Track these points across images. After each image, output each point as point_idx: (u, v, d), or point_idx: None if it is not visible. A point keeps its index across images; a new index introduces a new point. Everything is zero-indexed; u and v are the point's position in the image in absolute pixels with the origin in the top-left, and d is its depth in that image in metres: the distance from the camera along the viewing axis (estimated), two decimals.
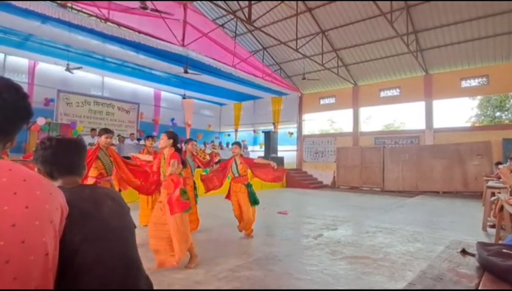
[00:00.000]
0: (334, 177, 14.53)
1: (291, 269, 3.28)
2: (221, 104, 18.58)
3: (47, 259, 0.77)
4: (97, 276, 1.00)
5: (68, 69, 10.24)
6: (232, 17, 11.62)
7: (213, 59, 11.34)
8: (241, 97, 16.32)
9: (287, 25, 13.02)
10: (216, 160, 5.98)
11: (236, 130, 17.98)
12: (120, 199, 1.29)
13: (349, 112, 15.01)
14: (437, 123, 12.83)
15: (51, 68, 11.48)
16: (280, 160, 14.56)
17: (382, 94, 14.13)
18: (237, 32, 13.15)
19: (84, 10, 8.96)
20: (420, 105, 13.15)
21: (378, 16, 11.02)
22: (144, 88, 14.82)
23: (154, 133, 14.25)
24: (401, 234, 4.99)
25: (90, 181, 3.91)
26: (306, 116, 16.43)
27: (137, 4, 8.83)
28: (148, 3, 8.77)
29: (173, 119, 15.89)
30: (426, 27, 11.34)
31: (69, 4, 8.49)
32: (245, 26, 13.38)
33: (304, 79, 13.47)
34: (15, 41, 9.63)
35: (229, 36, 13.25)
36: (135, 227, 1.29)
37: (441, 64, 12.53)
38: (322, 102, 15.93)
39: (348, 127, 15.19)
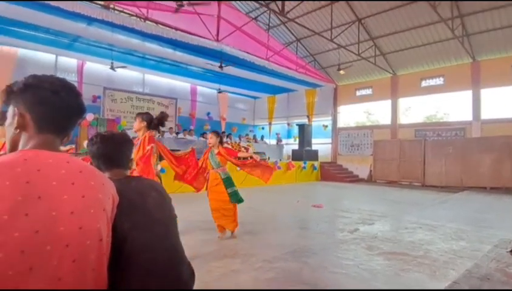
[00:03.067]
0: (371, 170, 14.10)
1: (326, 262, 3.30)
2: (254, 97, 18.68)
3: (101, 244, 0.85)
4: (144, 262, 1.08)
5: (112, 67, 10.89)
6: (265, 9, 11.60)
7: (247, 52, 11.43)
8: (275, 90, 16.30)
9: (322, 15, 12.69)
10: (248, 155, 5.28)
11: (270, 123, 18.02)
12: (163, 191, 1.38)
13: (387, 103, 14.40)
14: (485, 114, 11.90)
15: (97, 67, 12.28)
16: (314, 154, 14.43)
17: (424, 83, 13.37)
18: (270, 24, 13.09)
19: (124, 10, 9.45)
20: (467, 95, 12.26)
21: (419, 0, 10.38)
22: (181, 84, 15.32)
23: (192, 127, 14.75)
24: (444, 232, 4.77)
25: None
26: (341, 108, 16.02)
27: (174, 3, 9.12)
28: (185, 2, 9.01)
29: (208, 113, 16.30)
30: (474, 10, 10.48)
31: (111, 5, 8.98)
32: (278, 18, 13.27)
33: (339, 70, 13.12)
34: (64, 43, 10.39)
35: (262, 28, 13.24)
36: (176, 216, 1.40)
37: (490, 50, 11.54)
38: (358, 93, 15.42)
39: (386, 119, 14.59)
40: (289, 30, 14.22)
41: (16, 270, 0.68)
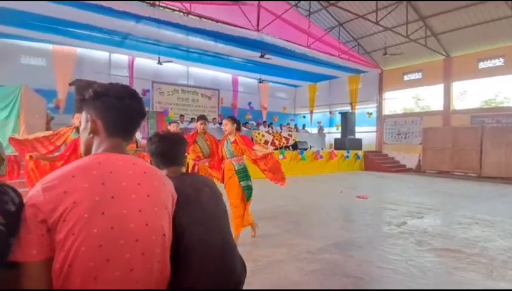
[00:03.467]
0: (419, 160, 13.34)
1: (372, 257, 3.28)
2: (295, 86, 18.46)
3: (164, 239, 0.96)
4: (201, 255, 1.19)
5: (159, 62, 11.45)
6: None
7: (287, 40, 11.29)
8: (316, 78, 15.95)
9: None
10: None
11: (311, 112, 17.76)
12: (214, 186, 1.49)
13: (439, 88, 13.40)
14: None
15: (146, 62, 12.99)
16: (358, 142, 14.01)
17: (481, 65, 12.19)
18: (311, 10, 12.72)
19: (169, 6, 9.82)
20: None
21: None
22: (223, 75, 15.63)
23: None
24: (503, 228, 4.45)
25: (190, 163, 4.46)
26: (387, 95, 15.23)
27: None
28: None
29: (250, 103, 16.49)
30: None
31: (157, 2, 9.37)
32: (319, 3, 12.84)
33: (385, 54, 12.41)
34: (116, 40, 11.10)
35: (302, 15, 12.93)
36: (225, 207, 1.49)
37: None
38: (406, 78, 14.52)
39: (437, 105, 13.61)
40: (331, 15, 13.72)
41: (96, 262, 0.81)
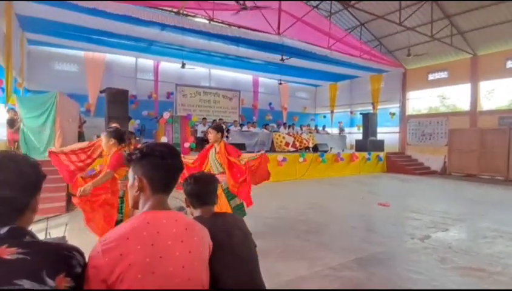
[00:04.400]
0: (445, 162, 13.03)
1: (395, 275, 3.36)
2: (316, 86, 18.40)
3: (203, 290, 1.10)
4: None
5: (183, 66, 11.79)
6: None
7: (308, 43, 11.31)
8: (337, 77, 15.84)
9: None
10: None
11: (332, 111, 17.65)
12: (244, 227, 1.63)
13: (466, 87, 12.98)
14: None
15: (169, 65, 13.41)
16: (380, 144, 13.83)
17: (510, 64, 11.70)
18: (332, 11, 12.63)
19: (191, 14, 10.08)
20: None
21: None
22: (243, 76, 15.84)
23: (254, 118, 15.25)
24: None
25: None
26: (411, 94, 14.90)
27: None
28: (248, 3, 9.24)
29: (270, 103, 16.62)
30: None
31: (181, 11, 9.65)
32: (341, 4, 12.71)
33: (409, 55, 12.13)
34: (142, 47, 11.55)
35: (323, 16, 12.85)
36: (256, 246, 1.62)
37: None
38: (431, 77, 14.14)
39: (464, 105, 13.20)
40: (352, 15, 13.54)
41: None
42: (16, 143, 8.16)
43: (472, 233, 5.08)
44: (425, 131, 14.11)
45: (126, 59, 12.80)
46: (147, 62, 13.19)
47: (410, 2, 11.33)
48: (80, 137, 10.87)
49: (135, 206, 1.17)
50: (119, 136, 3.29)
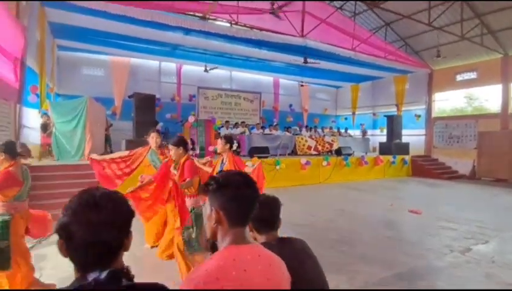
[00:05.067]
0: (474, 166, 12.55)
1: None
2: (337, 87, 18.15)
3: None
4: None
5: (206, 70, 11.88)
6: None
7: (332, 45, 11.15)
8: (358, 78, 15.57)
9: None
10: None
11: (353, 113, 17.35)
12: (310, 251, 1.60)
13: (497, 89, 12.45)
14: None
15: (192, 68, 13.56)
16: (405, 147, 13.48)
17: None
18: (356, 11, 12.40)
19: (217, 18, 10.13)
20: None
21: None
22: (264, 78, 15.82)
23: (275, 120, 15.20)
24: None
25: None
26: (437, 96, 14.43)
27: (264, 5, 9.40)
28: (275, 6, 9.19)
29: (291, 105, 16.52)
30: None
31: (207, 15, 9.72)
32: (365, 4, 12.46)
33: (439, 56, 11.73)
34: (166, 51, 11.70)
35: (347, 17, 12.64)
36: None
37: None
38: (459, 77, 13.64)
39: (495, 107, 12.67)
40: (377, 15, 13.25)
41: None
42: (49, 147, 8.46)
43: None
44: (453, 134, 13.63)
45: (150, 62, 13.03)
46: (170, 65, 13.38)
47: (439, 1, 10.97)
48: (107, 140, 11.15)
49: (214, 238, 1.15)
50: (10, 150, 2.73)
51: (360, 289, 3.30)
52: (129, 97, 8.91)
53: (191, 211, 3.16)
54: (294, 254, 1.46)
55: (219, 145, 3.73)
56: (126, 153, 4.54)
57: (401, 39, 13.89)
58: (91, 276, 0.86)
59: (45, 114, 8.52)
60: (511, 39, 11.56)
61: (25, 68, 7.01)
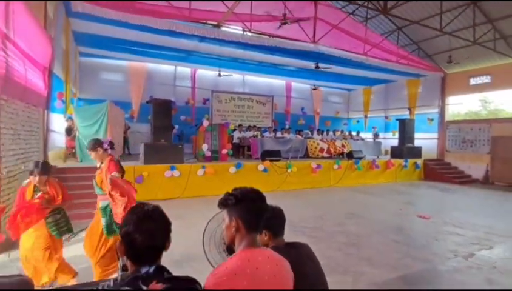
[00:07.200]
0: (487, 171, 12.45)
1: None
2: (349, 90, 18.22)
3: None
4: None
5: (219, 75, 12.23)
6: (363, 3, 11.15)
7: (344, 50, 11.30)
8: (371, 82, 15.61)
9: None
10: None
11: (365, 116, 17.38)
12: (314, 257, 1.83)
13: (510, 93, 12.32)
14: None
15: (206, 73, 13.97)
16: (417, 151, 13.47)
17: None
18: (368, 16, 12.50)
19: (231, 26, 10.45)
20: None
21: None
22: (277, 81, 16.05)
23: (287, 123, 15.43)
24: None
25: None
26: (451, 99, 14.34)
27: (277, 12, 9.65)
28: (289, 17, 9.43)
29: (303, 108, 16.71)
30: None
31: (221, 24, 10.05)
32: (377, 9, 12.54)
33: (450, 62, 11.73)
34: (181, 56, 12.10)
35: (358, 22, 12.74)
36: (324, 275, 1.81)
37: None
38: (472, 81, 13.53)
39: (508, 111, 12.54)
40: (389, 19, 13.29)
41: None
42: (73, 150, 8.97)
43: None
44: (466, 138, 13.53)
45: (166, 67, 13.48)
46: (185, 70, 13.81)
47: (451, 6, 10.97)
48: (125, 142, 11.68)
49: (232, 242, 1.41)
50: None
51: (360, 289, 3.51)
52: (147, 102, 9.33)
53: (105, 207, 3.22)
54: (298, 257, 1.68)
55: (92, 155, 3.37)
56: None
57: (413, 42, 13.88)
58: (144, 270, 1.15)
59: (69, 118, 9.04)
60: None
61: (52, 76, 7.49)
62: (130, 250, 1.18)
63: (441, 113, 14.37)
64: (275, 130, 13.09)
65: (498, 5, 10.57)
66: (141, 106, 12.45)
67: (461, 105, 14.10)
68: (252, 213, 1.37)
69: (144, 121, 12.01)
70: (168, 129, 8.67)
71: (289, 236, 1.92)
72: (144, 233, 1.16)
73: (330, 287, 3.52)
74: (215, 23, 9.76)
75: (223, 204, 1.40)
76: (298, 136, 12.75)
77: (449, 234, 5.74)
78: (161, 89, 12.79)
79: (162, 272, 1.18)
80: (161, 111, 8.64)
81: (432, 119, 14.45)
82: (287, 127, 13.91)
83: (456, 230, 5.95)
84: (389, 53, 12.59)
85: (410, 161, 12.82)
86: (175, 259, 3.97)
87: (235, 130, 12.02)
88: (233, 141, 11.44)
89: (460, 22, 11.48)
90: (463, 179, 12.57)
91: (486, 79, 13.11)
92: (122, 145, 10.98)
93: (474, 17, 10.88)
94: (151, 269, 1.16)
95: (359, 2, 10.34)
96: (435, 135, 14.46)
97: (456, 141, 13.88)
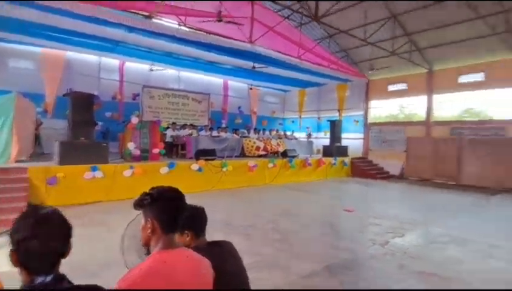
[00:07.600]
0: (403, 168, 13.99)
1: (362, 281, 3.64)
2: (285, 91, 18.82)
3: None
4: None
5: (151, 69, 11.50)
6: (298, 7, 11.59)
7: (279, 52, 11.58)
8: (305, 84, 16.33)
9: (355, 10, 12.42)
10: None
11: (300, 116, 18.15)
12: (237, 254, 1.80)
13: (423, 99, 14.06)
14: None
15: (136, 66, 13.01)
16: (345, 150, 14.48)
17: (461, 79, 12.87)
18: (302, 21, 13.03)
19: (163, 18, 9.90)
20: (509, 92, 11.69)
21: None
22: (214, 79, 15.78)
23: (223, 121, 15.27)
24: (477, 248, 4.89)
25: None
26: (373, 103, 15.80)
27: (212, 9, 9.42)
28: (224, 14, 9.26)
29: (239, 107, 16.72)
30: None
31: (153, 15, 9.44)
32: (310, 15, 13.17)
33: (372, 70, 12.89)
34: (107, 47, 11.03)
35: (293, 26, 13.21)
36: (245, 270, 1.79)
37: None
38: (391, 88, 15.11)
39: (420, 115, 14.29)
40: (321, 27, 14.06)
41: None
42: None
43: (425, 238, 5.57)
44: (386, 138, 15.03)
45: (88, 57, 12.14)
46: (111, 61, 12.63)
47: (375, 18, 12.04)
48: (37, 139, 10.24)
49: (147, 245, 1.31)
50: None
51: (278, 289, 3.52)
52: (64, 95, 8.26)
53: None
54: (220, 255, 1.62)
55: None
56: None
57: (343, 50, 14.93)
58: (39, 280, 1.02)
59: None
60: (435, 56, 13.15)
61: None
62: (24, 257, 1.03)
63: (365, 116, 15.73)
64: (211, 129, 12.82)
65: (415, 19, 11.92)
66: (57, 99, 11.00)
67: (382, 108, 15.61)
68: (168, 213, 1.29)
69: (60, 117, 10.62)
70: (89, 125, 7.79)
71: (222, 234, 1.82)
72: (40, 238, 1.03)
73: (257, 282, 3.46)
74: (146, 13, 9.11)
75: (139, 204, 1.30)
76: (234, 135, 12.69)
77: (370, 225, 6.21)
78: (83, 81, 11.47)
79: (61, 281, 1.06)
80: (81, 106, 7.72)
81: (357, 121, 15.73)
82: (224, 125, 13.75)
83: (375, 221, 6.47)
84: (322, 58, 13.31)
85: (339, 159, 13.74)
86: (92, 269, 3.56)
87: (168, 128, 11.41)
88: (166, 140, 10.84)
89: (382, 34, 12.66)
90: (383, 174, 13.92)
91: (402, 86, 14.73)
92: (33, 142, 9.60)
93: (394, 30, 12.11)
94: (48, 278, 1.03)
95: (293, 8, 10.67)
96: (361, 135, 15.78)
97: (378, 141, 15.33)
